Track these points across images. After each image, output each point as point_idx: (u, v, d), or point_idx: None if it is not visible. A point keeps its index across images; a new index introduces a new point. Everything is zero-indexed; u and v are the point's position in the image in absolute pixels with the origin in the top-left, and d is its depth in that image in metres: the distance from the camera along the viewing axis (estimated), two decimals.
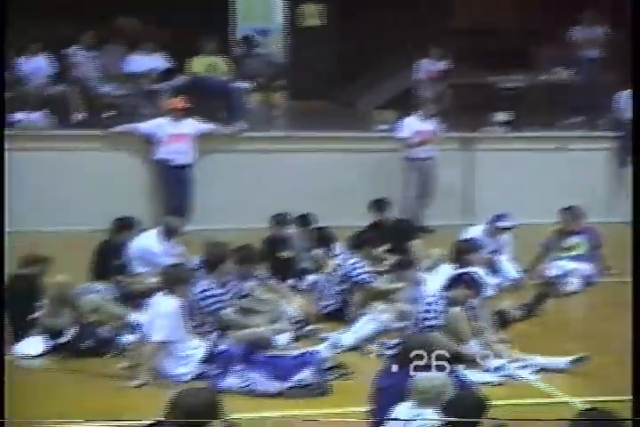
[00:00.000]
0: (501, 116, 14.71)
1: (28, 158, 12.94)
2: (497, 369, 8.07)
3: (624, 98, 14.67)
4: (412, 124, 13.57)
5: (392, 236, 11.08)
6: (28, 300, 8.35)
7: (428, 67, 15.67)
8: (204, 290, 8.49)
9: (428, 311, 8.29)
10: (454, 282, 8.45)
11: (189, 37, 14.80)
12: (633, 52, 7.23)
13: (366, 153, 14.01)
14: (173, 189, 13.12)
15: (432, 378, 6.07)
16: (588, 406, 6.15)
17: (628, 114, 14.65)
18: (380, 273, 9.85)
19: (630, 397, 7.27)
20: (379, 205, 11.70)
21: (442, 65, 15.66)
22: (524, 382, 7.99)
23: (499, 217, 11.21)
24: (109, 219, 10.22)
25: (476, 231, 11.16)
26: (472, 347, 8.21)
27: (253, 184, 13.50)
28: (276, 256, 10.64)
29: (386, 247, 10.76)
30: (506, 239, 11.25)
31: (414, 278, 9.29)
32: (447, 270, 9.12)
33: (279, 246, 10.79)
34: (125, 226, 10.03)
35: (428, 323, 8.24)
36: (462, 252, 9.60)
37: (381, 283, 9.69)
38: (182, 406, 5.27)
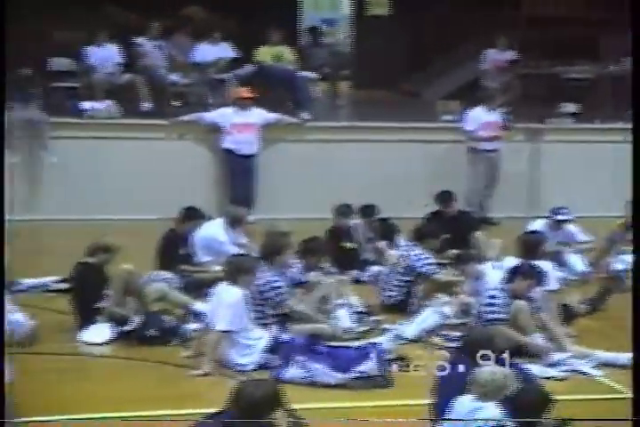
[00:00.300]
0: (569, 108, 14.56)
1: (94, 147, 13.10)
2: (560, 364, 8.01)
3: None
4: (478, 116, 13.48)
5: (454, 228, 11.03)
6: (94, 288, 8.43)
7: (495, 57, 15.55)
8: (270, 281, 8.52)
9: (491, 304, 8.25)
10: (514, 274, 8.40)
11: (256, 27, 14.86)
12: (633, 51, 7.19)
13: (431, 144, 13.95)
14: (238, 178, 13.18)
15: (493, 371, 6.04)
16: None
17: None
18: (444, 265, 9.81)
19: None
20: (444, 197, 11.66)
21: (509, 55, 15.52)
22: (589, 377, 7.92)
23: (557, 210, 11.13)
24: (174, 208, 10.30)
25: (540, 224, 11.09)
26: (535, 341, 8.16)
27: (317, 174, 13.52)
28: (339, 247, 10.64)
29: (446, 237, 10.72)
30: (572, 232, 11.15)
31: (477, 271, 9.24)
32: (511, 263, 9.05)
33: (342, 237, 10.80)
34: (192, 216, 10.10)
35: (491, 316, 8.20)
36: (527, 245, 9.52)
37: (444, 275, 9.67)
38: (244, 396, 5.31)
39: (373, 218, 11.09)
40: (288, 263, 8.86)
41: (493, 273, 9.06)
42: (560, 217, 11.04)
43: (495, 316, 8.17)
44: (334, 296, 8.90)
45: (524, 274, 8.36)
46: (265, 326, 8.37)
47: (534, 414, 5.60)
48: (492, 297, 8.28)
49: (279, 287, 8.54)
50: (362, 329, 8.75)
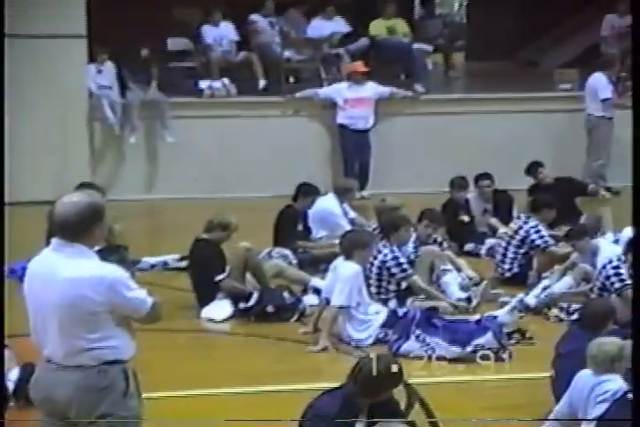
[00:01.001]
0: None
1: (212, 126, 13.24)
2: None
3: None
4: (607, 84, 13.13)
5: (564, 197, 10.86)
6: (212, 264, 8.52)
7: (615, 22, 15.16)
8: (395, 257, 8.53)
9: (617, 274, 8.10)
10: (632, 244, 8.23)
11: (369, 0, 14.80)
12: (633, 50, 6.96)
13: (549, 114, 13.72)
14: (353, 153, 13.19)
15: (604, 342, 5.95)
16: None
17: None
18: (559, 237, 9.66)
19: None
20: (529, 169, 11.51)
21: (630, 20, 15.12)
22: None
23: None
24: (291, 185, 10.38)
25: None
26: None
27: (432, 147, 13.43)
28: (456, 221, 10.57)
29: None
30: None
31: (591, 246, 9.05)
32: (629, 233, 8.86)
33: (459, 210, 10.73)
34: (307, 192, 10.15)
35: (618, 284, 8.05)
36: None
37: (561, 247, 9.54)
38: (364, 372, 5.35)
39: (490, 189, 10.97)
40: (406, 239, 8.84)
41: (609, 247, 8.86)
42: None
43: (623, 283, 8.02)
44: (438, 263, 8.85)
45: None
46: (384, 301, 8.41)
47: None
48: (616, 267, 8.14)
49: (402, 264, 8.55)
50: (475, 302, 8.69)
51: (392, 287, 8.58)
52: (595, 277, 8.46)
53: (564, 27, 17.28)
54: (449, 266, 8.93)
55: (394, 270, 8.53)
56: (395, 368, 5.46)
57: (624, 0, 15.06)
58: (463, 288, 8.83)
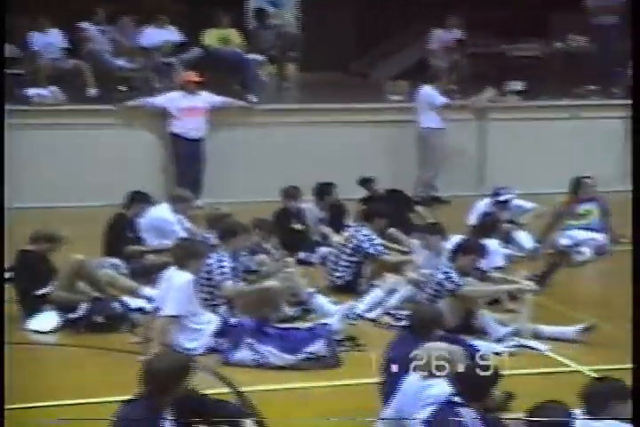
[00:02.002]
0: (515, 86, 14.61)
1: (41, 134, 12.97)
2: (507, 339, 8.08)
3: None
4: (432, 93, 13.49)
5: (394, 208, 11.11)
6: (37, 276, 8.36)
7: (443, 36, 15.57)
8: (219, 262, 8.51)
9: (447, 279, 8.30)
10: (457, 250, 8.52)
11: (203, 10, 14.76)
12: (633, 49, 7.29)
13: (380, 124, 13.96)
14: (186, 162, 13.13)
15: (435, 348, 6.08)
16: (598, 375, 6.13)
17: None
18: (390, 247, 9.86)
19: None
20: (364, 183, 11.78)
21: (456, 34, 15.55)
22: (535, 352, 7.99)
23: (498, 190, 11.23)
24: (122, 194, 10.25)
25: (486, 203, 11.19)
26: (484, 317, 8.22)
27: (266, 157, 13.48)
28: (288, 229, 10.64)
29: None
30: (518, 204, 11.23)
31: (439, 246, 9.29)
32: (456, 241, 9.10)
33: (291, 219, 10.80)
34: (138, 200, 10.06)
35: (450, 286, 8.26)
36: (480, 226, 9.64)
37: (392, 255, 9.71)
38: (150, 371, 5.32)
39: (329, 197, 11.11)
40: (243, 246, 8.82)
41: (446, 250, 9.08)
42: (501, 198, 11.12)
43: (455, 284, 8.25)
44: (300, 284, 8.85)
45: (466, 250, 8.45)
46: (214, 308, 8.38)
47: (483, 390, 5.64)
48: (446, 272, 8.37)
49: (224, 267, 8.53)
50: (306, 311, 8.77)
51: (218, 293, 8.54)
52: (426, 284, 8.64)
53: (394, 40, 17.63)
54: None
55: (217, 277, 8.51)
56: (180, 365, 5.39)
57: (451, 15, 15.51)
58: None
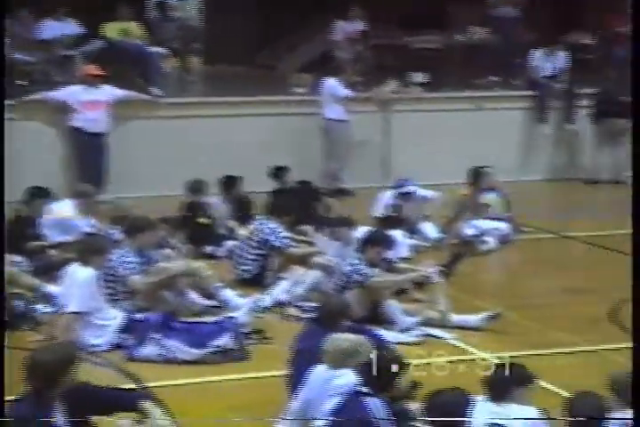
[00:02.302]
0: (418, 77, 14.74)
1: None
2: (413, 329, 8.15)
3: (538, 57, 14.87)
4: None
5: (302, 200, 11.14)
6: None
7: (346, 28, 15.63)
8: (123, 257, 8.45)
9: (355, 271, 8.36)
10: (364, 243, 8.56)
11: (103, 2, 14.57)
12: (633, 48, 7.46)
13: (285, 117, 13.95)
14: (88, 157, 12.95)
15: (341, 338, 6.11)
16: (500, 361, 6.23)
17: (542, 72, 14.88)
18: (296, 239, 9.88)
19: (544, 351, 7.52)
20: (277, 173, 11.76)
21: (359, 26, 15.62)
22: (440, 340, 8.08)
23: (401, 182, 11.32)
24: (24, 189, 10.08)
25: (390, 194, 11.27)
26: (390, 307, 8.29)
27: (171, 151, 13.38)
28: (194, 223, 10.56)
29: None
30: (422, 195, 11.32)
31: (348, 236, 9.33)
32: (363, 232, 9.16)
33: (197, 213, 10.73)
34: (39, 195, 9.91)
35: (358, 278, 8.31)
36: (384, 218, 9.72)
37: (300, 248, 9.73)
38: (33, 364, 5.18)
39: (235, 190, 11.06)
40: (151, 242, 8.73)
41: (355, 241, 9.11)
42: (404, 190, 11.21)
43: (363, 276, 8.30)
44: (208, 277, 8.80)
45: (373, 241, 8.52)
46: (118, 303, 8.33)
47: (389, 379, 5.67)
48: (353, 264, 8.42)
49: (130, 263, 8.46)
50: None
51: (124, 289, 8.49)
52: (333, 275, 8.69)
53: (299, 32, 17.63)
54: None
55: (121, 271, 8.45)
56: (66, 358, 5.25)
57: (354, 6, 15.58)
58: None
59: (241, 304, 8.48)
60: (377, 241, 8.59)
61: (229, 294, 8.81)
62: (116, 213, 9.59)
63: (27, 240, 9.61)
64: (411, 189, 11.23)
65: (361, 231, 9.37)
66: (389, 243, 8.68)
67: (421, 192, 11.35)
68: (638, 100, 7.11)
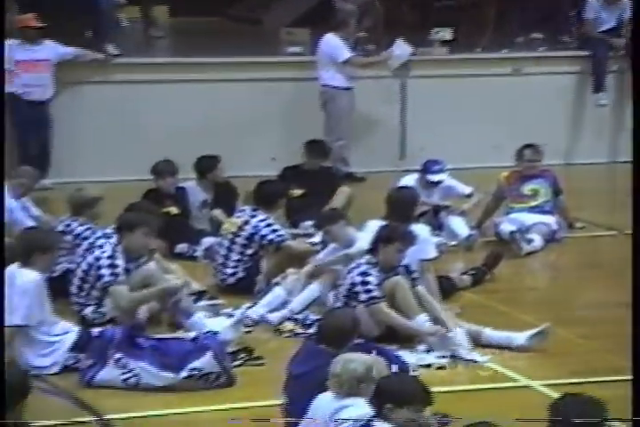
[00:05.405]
0: (442, 34, 14.77)
1: None
2: (441, 348, 8.20)
3: (594, 6, 14.81)
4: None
5: (312, 186, 11.19)
6: None
7: None
8: (109, 258, 8.57)
9: (364, 283, 8.38)
10: (377, 240, 8.56)
11: None
12: (634, 47, 7.55)
13: (275, 82, 14.00)
14: (29, 130, 13.02)
15: (349, 360, 6.16)
16: (560, 392, 6.21)
17: (600, 27, 14.88)
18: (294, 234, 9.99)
19: (604, 378, 7.56)
20: (312, 148, 11.85)
21: None
22: (474, 363, 8.14)
23: (430, 166, 11.29)
24: None
25: (411, 179, 11.28)
26: (417, 323, 8.31)
27: (130, 124, 13.45)
28: (161, 213, 10.56)
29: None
30: (451, 186, 11.36)
31: (346, 235, 9.37)
32: (375, 227, 9.17)
33: (164, 202, 10.77)
34: None
35: (365, 296, 8.34)
36: (397, 204, 9.65)
37: (297, 243, 9.78)
38: None
39: (213, 174, 11.12)
40: (141, 245, 8.78)
41: (366, 238, 9.12)
42: (431, 178, 11.19)
43: (370, 295, 8.33)
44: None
45: (387, 238, 8.52)
46: (82, 307, 8.48)
47: (410, 411, 5.72)
48: (364, 273, 8.43)
49: (117, 266, 8.55)
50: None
51: (95, 293, 8.60)
52: (341, 280, 8.74)
53: None
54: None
55: (103, 271, 8.55)
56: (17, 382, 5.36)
57: None
58: None
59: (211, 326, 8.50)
60: (393, 237, 8.58)
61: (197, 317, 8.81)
62: (78, 201, 9.61)
63: None
64: (439, 178, 11.20)
65: (372, 226, 9.40)
66: (409, 239, 8.67)
67: (452, 182, 11.33)
68: (638, 100, 7.24)
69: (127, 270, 8.62)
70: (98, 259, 8.61)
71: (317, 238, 10.17)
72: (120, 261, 8.59)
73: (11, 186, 10.29)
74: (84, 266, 8.71)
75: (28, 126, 13.01)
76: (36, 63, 13.03)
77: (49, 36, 13.20)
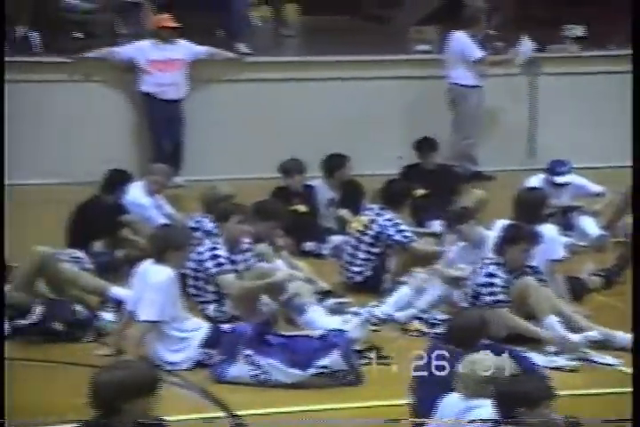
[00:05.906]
0: (575, 30, 14.62)
1: None
2: (572, 351, 8.12)
3: None
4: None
5: (433, 186, 11.16)
6: None
7: None
8: (209, 249, 8.63)
9: (489, 284, 8.36)
10: (503, 241, 8.52)
11: None
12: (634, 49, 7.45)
13: (403, 80, 13.99)
14: (162, 129, 13.17)
15: (478, 360, 6.14)
16: None
17: None
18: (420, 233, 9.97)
19: None
20: (422, 145, 11.80)
21: None
22: (605, 366, 8.06)
23: (556, 166, 11.20)
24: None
25: (538, 179, 11.20)
26: (549, 325, 8.24)
27: (260, 122, 13.53)
28: (290, 212, 10.62)
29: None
30: (580, 184, 11.25)
31: (477, 234, 9.33)
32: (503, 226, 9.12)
33: (292, 200, 10.84)
34: (118, 179, 10.13)
35: (489, 298, 8.33)
36: (525, 205, 9.59)
37: (424, 244, 9.76)
38: (104, 385, 5.24)
39: (341, 172, 11.15)
40: (240, 234, 8.87)
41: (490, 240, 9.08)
42: (558, 179, 11.10)
43: (495, 298, 8.31)
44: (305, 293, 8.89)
45: (512, 238, 8.48)
46: (202, 306, 8.50)
47: (534, 412, 5.69)
48: (490, 275, 8.40)
49: (219, 256, 8.62)
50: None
51: (210, 288, 8.66)
52: (467, 280, 8.70)
53: None
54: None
55: (208, 264, 8.63)
56: (142, 378, 5.34)
57: None
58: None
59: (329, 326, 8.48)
60: (518, 237, 8.53)
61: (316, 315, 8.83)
62: (210, 199, 9.73)
63: (98, 232, 9.81)
64: (565, 180, 11.11)
65: (498, 226, 9.35)
66: (535, 239, 8.62)
67: (581, 181, 11.23)
68: (638, 100, 7.10)
69: (233, 262, 8.70)
70: (201, 253, 8.69)
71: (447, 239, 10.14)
72: (222, 252, 8.67)
73: (145, 183, 10.46)
74: (191, 264, 8.75)
75: (161, 125, 13.18)
76: (170, 62, 13.17)
77: (183, 36, 13.34)
